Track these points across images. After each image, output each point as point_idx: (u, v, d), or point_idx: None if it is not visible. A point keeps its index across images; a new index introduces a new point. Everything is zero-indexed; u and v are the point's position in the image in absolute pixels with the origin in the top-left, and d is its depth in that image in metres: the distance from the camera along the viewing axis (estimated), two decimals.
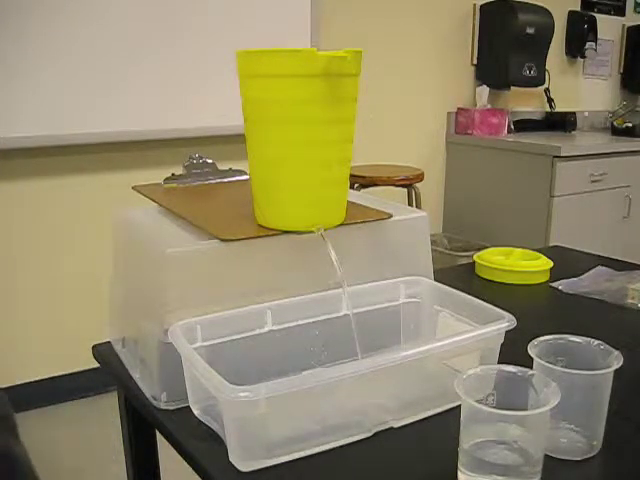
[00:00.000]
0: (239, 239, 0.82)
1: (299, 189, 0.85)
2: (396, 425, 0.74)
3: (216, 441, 0.71)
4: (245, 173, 1.13)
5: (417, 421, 0.75)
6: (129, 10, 2.11)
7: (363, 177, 2.40)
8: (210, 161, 1.11)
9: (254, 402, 0.63)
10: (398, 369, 0.70)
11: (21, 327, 2.21)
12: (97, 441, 2.05)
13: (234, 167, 1.13)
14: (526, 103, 3.50)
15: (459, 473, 0.63)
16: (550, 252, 1.36)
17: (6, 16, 1.91)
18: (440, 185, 3.24)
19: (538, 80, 3.21)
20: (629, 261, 1.37)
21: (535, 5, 3.11)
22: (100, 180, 2.26)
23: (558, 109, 3.54)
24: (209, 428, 0.73)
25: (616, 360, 0.68)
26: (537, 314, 1.11)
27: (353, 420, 0.72)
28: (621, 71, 3.95)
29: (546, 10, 3.13)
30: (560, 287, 1.22)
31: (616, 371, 0.67)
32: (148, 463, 1.00)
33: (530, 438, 0.60)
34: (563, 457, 0.68)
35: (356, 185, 2.40)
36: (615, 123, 3.52)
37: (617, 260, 1.38)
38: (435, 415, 0.76)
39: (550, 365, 0.67)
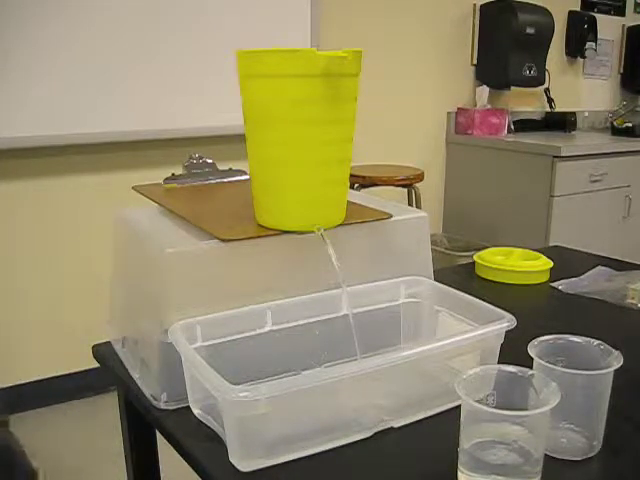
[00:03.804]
0: (239, 239, 0.82)
1: (299, 189, 0.85)
2: (396, 425, 0.74)
3: (216, 441, 0.71)
4: (245, 173, 1.13)
5: (417, 421, 0.75)
6: (129, 10, 2.11)
7: (363, 177, 2.40)
8: (210, 161, 1.11)
9: (254, 402, 0.63)
10: (398, 369, 0.70)
11: (21, 327, 2.21)
12: (97, 441, 2.05)
13: (234, 167, 1.13)
14: (526, 103, 3.50)
15: (459, 473, 0.63)
16: (550, 252, 1.36)
17: (6, 16, 1.91)
18: (440, 185, 3.24)
19: (538, 80, 3.21)
20: (629, 261, 1.37)
21: (535, 5, 3.11)
22: (100, 180, 2.26)
23: (558, 109, 3.53)
24: (209, 428, 0.73)
25: (616, 360, 0.68)
26: (537, 314, 1.11)
27: (353, 420, 0.72)
28: (621, 71, 3.95)
29: (546, 10, 3.12)
30: (560, 287, 1.22)
31: (616, 371, 0.67)
32: (148, 463, 1.00)
33: (530, 438, 0.60)
34: (563, 457, 0.68)
35: (356, 185, 2.40)
36: (615, 123, 3.51)
37: (617, 260, 1.38)
38: (435, 415, 0.76)
39: (550, 365, 0.67)
